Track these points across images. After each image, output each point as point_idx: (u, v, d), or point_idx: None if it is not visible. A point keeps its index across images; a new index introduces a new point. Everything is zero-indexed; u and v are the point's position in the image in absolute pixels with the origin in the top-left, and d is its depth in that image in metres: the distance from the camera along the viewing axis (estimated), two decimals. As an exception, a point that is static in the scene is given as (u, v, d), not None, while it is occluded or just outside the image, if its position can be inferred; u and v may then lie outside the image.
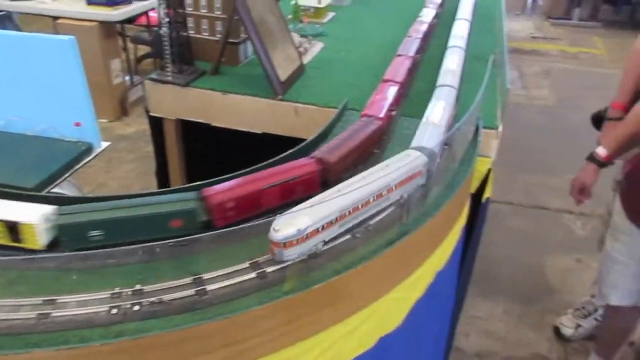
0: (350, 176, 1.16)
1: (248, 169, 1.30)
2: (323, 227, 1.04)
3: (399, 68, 1.88)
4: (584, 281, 2.90)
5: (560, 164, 4.10)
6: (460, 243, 1.58)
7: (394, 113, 1.65)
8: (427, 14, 2.53)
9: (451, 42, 2.18)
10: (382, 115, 1.54)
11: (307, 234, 1.00)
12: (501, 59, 2.30)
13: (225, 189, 1.18)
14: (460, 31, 2.32)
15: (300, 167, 1.28)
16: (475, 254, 2.08)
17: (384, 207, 1.19)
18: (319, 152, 1.33)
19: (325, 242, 1.07)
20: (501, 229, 3.35)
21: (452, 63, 1.93)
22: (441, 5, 2.78)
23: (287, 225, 0.99)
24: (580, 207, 3.47)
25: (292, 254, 1.01)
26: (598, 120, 2.22)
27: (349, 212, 1.10)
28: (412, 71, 1.96)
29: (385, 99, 1.64)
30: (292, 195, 1.23)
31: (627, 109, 2.12)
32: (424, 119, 1.50)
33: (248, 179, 1.22)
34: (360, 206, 1.12)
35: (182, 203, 1.14)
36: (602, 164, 1.86)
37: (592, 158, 1.88)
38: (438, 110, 1.54)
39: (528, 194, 3.78)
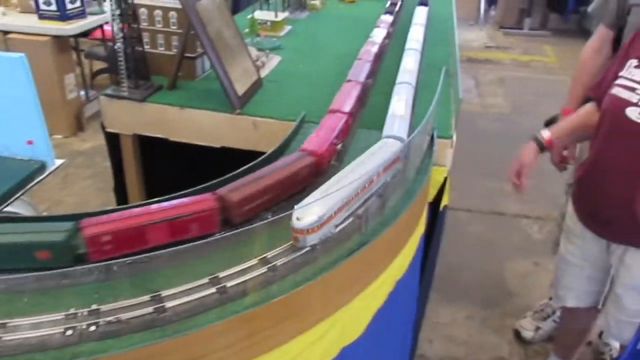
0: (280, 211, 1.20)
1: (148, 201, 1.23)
2: (335, 213, 1.17)
3: (346, 97, 1.77)
4: (542, 284, 2.98)
5: (515, 170, 4.21)
6: (420, 251, 1.60)
7: (339, 147, 1.56)
8: (378, 34, 2.44)
9: (408, 45, 2.30)
10: (322, 150, 1.44)
11: (324, 220, 1.13)
12: (454, 69, 2.36)
13: (103, 221, 1.10)
14: (416, 35, 2.46)
15: (196, 203, 1.18)
16: (436, 261, 2.12)
17: (373, 192, 1.30)
18: (223, 189, 1.24)
19: (336, 226, 1.19)
20: (461, 236, 3.41)
21: (410, 63, 2.09)
22: (393, 24, 2.74)
23: (308, 213, 1.12)
24: (536, 212, 3.61)
25: (313, 239, 1.14)
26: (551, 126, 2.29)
27: (352, 198, 1.23)
28: (362, 97, 1.88)
29: (328, 132, 1.54)
30: (185, 232, 1.16)
31: (576, 113, 2.20)
32: (389, 112, 1.67)
33: (134, 213, 1.14)
34: (359, 192, 1.24)
35: (50, 234, 1.06)
36: (543, 146, 1.84)
37: (535, 139, 1.90)
38: (401, 103, 1.71)
39: (486, 200, 3.85)
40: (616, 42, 2.06)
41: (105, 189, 3.67)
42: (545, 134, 1.84)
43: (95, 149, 4.27)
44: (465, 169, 4.17)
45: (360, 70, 1.99)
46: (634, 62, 1.56)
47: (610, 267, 1.76)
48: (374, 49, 2.22)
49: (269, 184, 1.28)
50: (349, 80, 1.90)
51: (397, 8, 2.97)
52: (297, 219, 1.11)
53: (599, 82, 1.77)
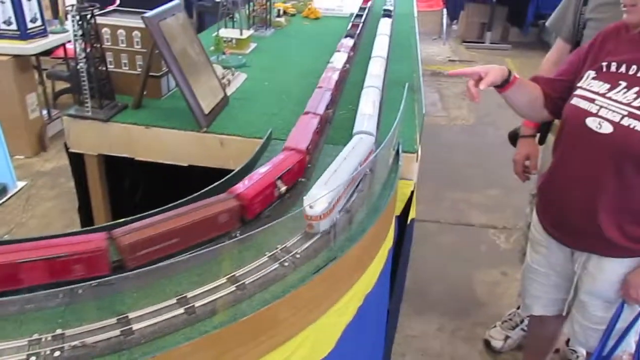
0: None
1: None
2: (338, 200, 1.28)
3: (303, 132, 1.65)
4: (511, 293, 3.02)
5: (481, 180, 4.29)
6: (388, 264, 1.62)
7: (282, 189, 1.43)
8: (338, 60, 2.34)
9: (374, 53, 2.44)
10: (251, 195, 1.32)
11: (332, 207, 1.25)
12: (418, 84, 2.40)
13: None
14: (381, 44, 2.59)
15: (83, 243, 1.09)
16: (405, 274, 2.14)
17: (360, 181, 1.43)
18: (119, 230, 1.15)
19: (340, 212, 1.31)
20: (430, 247, 3.45)
21: (376, 69, 2.24)
22: (353, 48, 2.68)
23: (319, 202, 1.23)
24: (502, 222, 3.67)
25: (325, 224, 1.25)
26: (514, 137, 2.34)
27: (349, 185, 1.35)
28: (320, 130, 1.78)
29: (270, 175, 1.40)
30: (67, 273, 1.06)
31: (537, 126, 2.26)
32: (359, 112, 1.80)
33: (6, 249, 1.05)
34: (352, 180, 1.37)
35: None
36: (508, 79, 1.68)
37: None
38: (369, 104, 1.87)
39: (454, 211, 3.91)
40: None
41: (69, 210, 3.61)
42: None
43: (58, 169, 4.19)
44: (433, 180, 4.23)
45: (319, 101, 1.87)
46: (591, 73, 1.61)
47: (575, 275, 1.79)
48: (335, 75, 2.14)
49: (173, 227, 1.17)
50: (307, 113, 1.79)
51: (358, 30, 2.96)
52: (310, 207, 1.22)
53: (551, 78, 1.79)
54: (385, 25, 3.08)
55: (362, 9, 3.64)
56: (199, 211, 1.23)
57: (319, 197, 1.22)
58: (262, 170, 1.42)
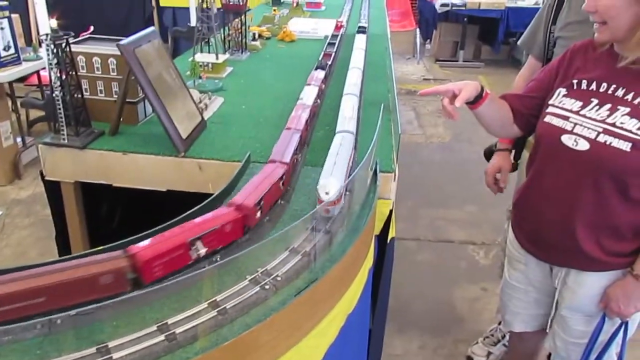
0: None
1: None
2: (343, 188, 1.43)
3: (257, 187, 1.48)
4: (491, 309, 3.05)
5: (459, 196, 4.34)
6: (369, 284, 1.63)
7: (201, 252, 1.27)
8: (309, 95, 2.15)
9: (351, 64, 2.60)
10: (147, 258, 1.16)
11: (341, 193, 1.41)
12: (393, 104, 2.43)
13: None
14: (357, 57, 2.72)
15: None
16: (388, 294, 2.14)
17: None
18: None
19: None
20: (410, 265, 3.46)
21: (353, 77, 2.40)
22: (325, 80, 2.53)
23: (332, 187, 1.40)
24: (481, 238, 3.71)
25: (338, 207, 1.42)
26: (490, 154, 2.38)
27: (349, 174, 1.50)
28: (286, 180, 1.64)
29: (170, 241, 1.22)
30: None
31: (512, 142, 2.30)
32: (340, 114, 1.95)
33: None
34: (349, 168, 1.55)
35: None
36: (480, 94, 1.67)
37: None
38: (348, 108, 2.00)
39: (433, 228, 3.94)
40: None
41: (45, 238, 3.56)
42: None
43: (34, 197, 4.14)
44: (411, 198, 4.27)
45: (287, 146, 1.71)
46: (562, 90, 1.64)
47: (555, 290, 1.81)
48: (304, 114, 1.96)
49: (39, 285, 1.04)
50: (272, 161, 1.63)
51: (330, 60, 2.85)
52: (326, 193, 1.39)
53: (521, 94, 1.82)
54: (360, 40, 3.17)
55: (334, 36, 3.58)
56: (77, 269, 1.08)
57: (329, 185, 1.40)
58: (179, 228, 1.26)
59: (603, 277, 1.67)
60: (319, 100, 2.27)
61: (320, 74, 2.50)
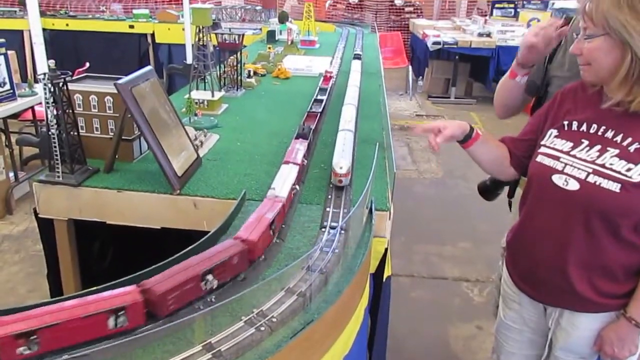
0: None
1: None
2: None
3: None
4: (487, 348, 3.01)
5: (452, 233, 4.34)
6: (365, 324, 1.61)
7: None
8: (282, 185, 1.75)
9: (350, 82, 2.95)
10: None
11: (349, 170, 1.87)
12: (388, 142, 2.45)
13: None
14: (354, 80, 3.02)
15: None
16: (386, 334, 2.12)
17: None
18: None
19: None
20: (404, 302, 3.44)
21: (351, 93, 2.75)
22: (308, 153, 2.15)
23: (344, 164, 1.86)
24: (475, 275, 3.70)
25: (348, 179, 1.88)
26: (484, 189, 2.38)
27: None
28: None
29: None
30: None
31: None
32: (341, 120, 2.38)
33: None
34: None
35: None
36: (470, 134, 1.75)
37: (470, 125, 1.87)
38: (349, 113, 2.42)
39: (426, 264, 3.92)
40: (533, 109, 2.19)
41: (35, 274, 3.52)
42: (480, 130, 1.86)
43: (25, 232, 4.10)
44: (404, 234, 4.27)
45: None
46: (554, 132, 1.67)
47: (549, 330, 1.80)
48: (270, 214, 1.55)
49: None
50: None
51: (314, 124, 2.41)
52: (340, 167, 1.85)
53: (515, 138, 1.86)
54: (356, 64, 3.50)
55: (321, 90, 3.14)
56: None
57: (341, 161, 1.86)
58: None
59: (596, 318, 1.66)
60: (297, 187, 1.89)
61: (302, 146, 2.06)
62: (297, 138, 2.17)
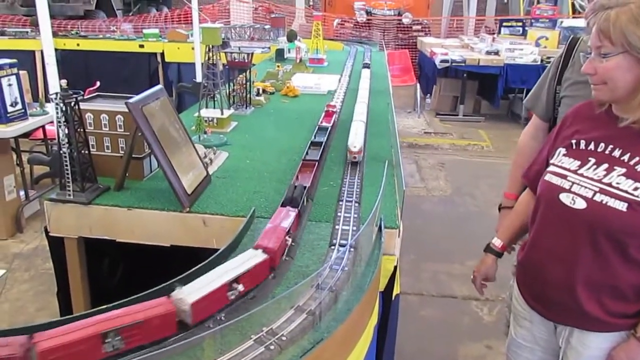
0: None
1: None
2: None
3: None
4: (497, 367, 2.99)
5: (461, 251, 4.30)
6: (374, 342, 1.60)
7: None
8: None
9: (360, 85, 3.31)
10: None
11: (361, 148, 2.28)
12: (397, 159, 2.46)
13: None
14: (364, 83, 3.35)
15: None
16: (393, 352, 2.10)
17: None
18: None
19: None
20: (413, 320, 3.41)
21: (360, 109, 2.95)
22: (299, 219, 1.77)
23: (357, 143, 2.28)
24: (485, 294, 3.66)
25: (360, 156, 2.30)
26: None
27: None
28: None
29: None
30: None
31: (517, 197, 2.29)
32: (355, 113, 2.85)
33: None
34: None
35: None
36: (499, 254, 1.97)
37: (489, 249, 1.99)
38: (361, 109, 2.85)
39: (435, 282, 3.90)
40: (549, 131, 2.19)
41: (44, 292, 3.52)
42: (497, 242, 1.96)
43: (35, 251, 4.11)
44: (413, 252, 4.24)
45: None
46: (562, 150, 1.66)
47: (560, 349, 1.78)
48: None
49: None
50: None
51: (310, 180, 2.03)
52: (355, 147, 2.27)
53: (529, 167, 1.87)
54: (365, 73, 3.84)
55: (321, 130, 2.71)
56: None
57: (355, 142, 2.28)
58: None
59: (607, 338, 1.64)
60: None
61: (289, 216, 1.67)
62: (283, 204, 1.75)
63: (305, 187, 1.87)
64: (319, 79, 4.46)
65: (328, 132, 2.71)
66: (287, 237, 1.58)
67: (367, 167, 2.29)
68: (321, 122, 2.89)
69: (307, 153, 2.35)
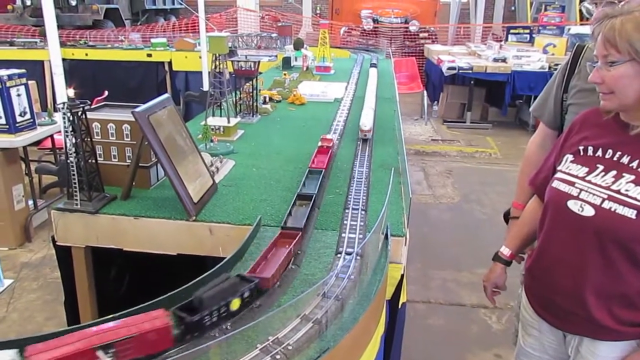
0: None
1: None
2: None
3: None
4: (506, 376, 2.96)
5: (469, 258, 4.28)
6: (381, 352, 1.59)
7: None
8: None
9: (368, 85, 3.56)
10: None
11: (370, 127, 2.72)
12: (403, 167, 2.45)
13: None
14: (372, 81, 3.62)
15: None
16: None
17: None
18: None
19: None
20: (421, 329, 3.39)
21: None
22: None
23: (367, 122, 2.72)
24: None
25: (370, 134, 2.73)
26: (508, 217, 2.35)
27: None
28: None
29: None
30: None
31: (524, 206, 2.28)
32: (365, 101, 3.30)
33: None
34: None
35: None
36: (508, 262, 1.95)
37: (497, 258, 1.98)
38: (371, 98, 3.23)
39: (444, 290, 3.88)
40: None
41: (52, 301, 3.53)
42: (505, 250, 1.95)
43: (43, 260, 4.13)
44: (421, 260, 4.23)
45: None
46: (569, 157, 1.65)
47: (569, 358, 1.76)
48: None
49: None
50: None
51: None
52: (365, 125, 2.71)
53: (535, 174, 1.86)
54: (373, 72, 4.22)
55: (312, 175, 2.17)
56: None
57: (365, 121, 2.73)
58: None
59: (617, 347, 1.62)
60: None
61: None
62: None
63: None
64: (325, 87, 4.46)
65: (320, 179, 2.12)
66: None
67: (373, 175, 2.29)
68: (312, 164, 2.33)
69: (289, 213, 1.81)
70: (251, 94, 3.41)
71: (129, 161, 2.05)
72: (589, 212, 1.52)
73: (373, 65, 5.32)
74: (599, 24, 1.50)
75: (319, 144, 2.53)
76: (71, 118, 1.77)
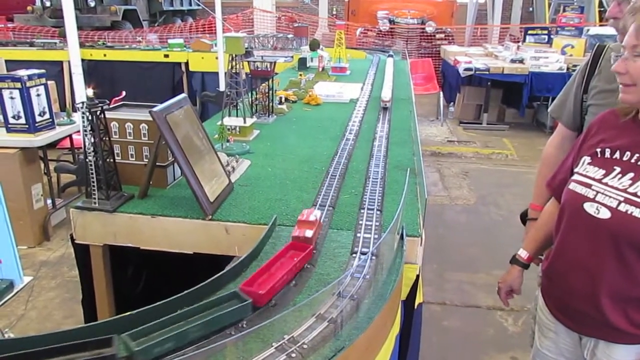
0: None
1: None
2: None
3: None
4: (522, 378, 2.93)
5: (486, 260, 4.26)
6: (396, 352, 1.59)
7: None
8: None
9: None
10: None
11: (389, 97, 3.59)
12: (419, 167, 2.44)
13: None
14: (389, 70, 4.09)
15: None
16: (417, 361, 2.08)
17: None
18: None
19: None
20: (436, 331, 3.38)
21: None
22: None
23: (387, 94, 3.57)
24: (510, 304, 3.60)
25: (389, 104, 3.57)
26: (525, 219, 2.33)
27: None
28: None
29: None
30: None
31: (543, 208, 2.26)
32: (385, 81, 4.03)
33: None
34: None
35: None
36: (525, 265, 1.94)
37: (515, 260, 1.96)
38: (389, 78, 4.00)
39: (460, 292, 3.86)
40: None
41: (71, 300, 3.57)
42: (523, 253, 1.94)
43: (61, 258, 4.18)
44: (436, 261, 4.21)
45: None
46: (587, 159, 1.64)
47: (585, 361, 1.74)
48: None
49: None
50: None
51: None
52: (385, 96, 3.51)
53: (553, 176, 1.84)
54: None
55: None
56: None
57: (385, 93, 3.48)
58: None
59: (633, 350, 1.60)
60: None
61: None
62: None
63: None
64: (341, 88, 4.46)
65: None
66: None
67: (389, 175, 2.28)
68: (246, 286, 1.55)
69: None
70: (267, 95, 3.42)
71: (147, 160, 2.06)
72: (605, 214, 1.50)
73: (390, 56, 6.56)
74: (633, 15, 1.48)
75: (294, 231, 1.61)
76: (90, 117, 1.79)
